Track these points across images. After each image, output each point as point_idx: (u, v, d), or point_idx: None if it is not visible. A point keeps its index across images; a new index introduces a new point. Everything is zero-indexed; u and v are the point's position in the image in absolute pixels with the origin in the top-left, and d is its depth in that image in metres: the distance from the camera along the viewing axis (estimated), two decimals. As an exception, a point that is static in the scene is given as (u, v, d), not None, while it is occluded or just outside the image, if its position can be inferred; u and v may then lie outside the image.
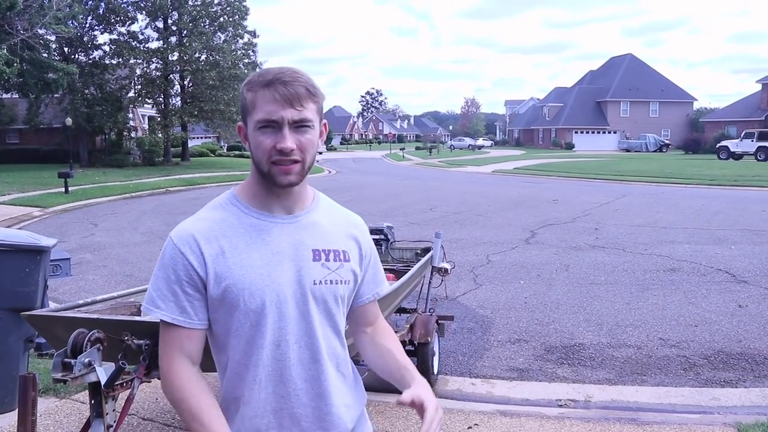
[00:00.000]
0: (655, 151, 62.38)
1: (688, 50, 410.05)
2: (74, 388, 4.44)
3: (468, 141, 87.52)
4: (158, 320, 1.48)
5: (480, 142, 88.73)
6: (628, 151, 63.80)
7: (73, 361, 2.22)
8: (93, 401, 2.50)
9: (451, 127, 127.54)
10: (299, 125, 1.43)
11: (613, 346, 5.97)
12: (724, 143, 45.56)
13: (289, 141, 1.42)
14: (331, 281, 1.53)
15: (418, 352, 4.80)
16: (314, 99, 1.46)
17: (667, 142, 64.85)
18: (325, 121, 1.53)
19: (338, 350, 1.58)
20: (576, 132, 72.09)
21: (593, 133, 72.32)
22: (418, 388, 1.54)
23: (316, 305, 1.52)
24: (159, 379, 1.47)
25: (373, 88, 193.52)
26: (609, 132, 71.96)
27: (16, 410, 4.12)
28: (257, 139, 1.44)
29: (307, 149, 1.45)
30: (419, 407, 1.49)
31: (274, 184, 1.47)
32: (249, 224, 1.49)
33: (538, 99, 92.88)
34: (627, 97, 71.67)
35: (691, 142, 57.98)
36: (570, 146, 69.63)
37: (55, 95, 33.11)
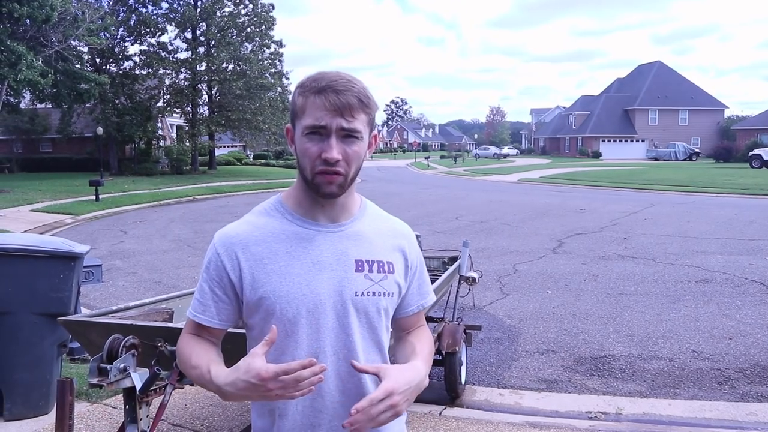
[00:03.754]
0: (684, 159, 61.43)
1: (719, 57, 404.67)
2: (106, 392, 4.50)
3: (493, 150, 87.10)
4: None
5: (505, 150, 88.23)
6: (656, 159, 62.93)
7: (108, 366, 2.24)
8: (127, 406, 2.53)
9: (476, 136, 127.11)
10: (347, 135, 1.40)
11: (644, 358, 5.87)
12: (756, 151, 44.71)
13: (335, 151, 1.39)
14: (374, 293, 1.49)
15: (446, 362, 4.77)
16: (366, 110, 1.43)
17: (697, 150, 63.82)
18: (375, 132, 1.50)
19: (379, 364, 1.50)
20: (603, 140, 71.33)
21: (621, 141, 71.50)
22: (398, 368, 1.43)
23: (357, 317, 1.48)
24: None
25: (398, 97, 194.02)
26: (637, 140, 71.08)
27: (51, 413, 4.20)
28: (303, 145, 1.42)
29: (352, 161, 1.42)
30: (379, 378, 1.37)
31: (317, 193, 1.45)
32: (292, 232, 1.48)
33: (564, 107, 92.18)
34: (655, 105, 70.75)
35: (722, 151, 57.01)
36: (597, 155, 68.89)
37: (87, 105, 33.76)
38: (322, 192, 1.43)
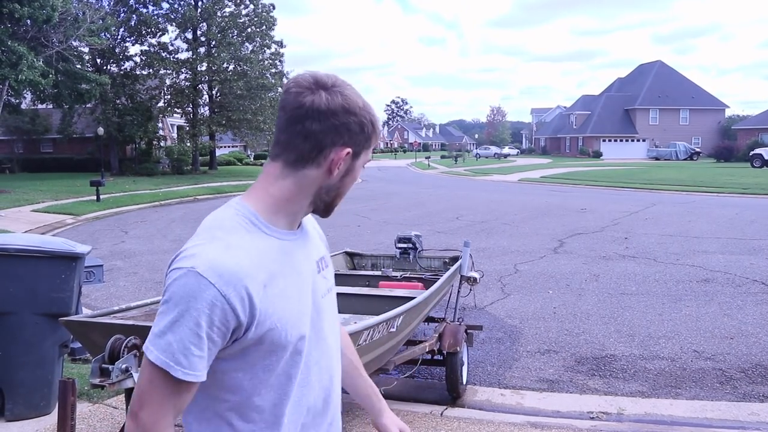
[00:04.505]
0: (685, 159, 61.41)
1: (720, 57, 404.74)
2: (107, 393, 4.50)
3: (494, 149, 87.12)
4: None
5: (506, 150, 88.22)
6: (657, 159, 62.91)
7: (110, 366, 2.24)
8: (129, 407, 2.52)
9: (476, 136, 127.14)
10: None
11: (645, 358, 5.87)
12: (757, 151, 44.72)
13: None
14: (329, 290, 1.46)
15: (447, 362, 4.77)
16: None
17: (697, 150, 63.78)
18: None
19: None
20: (604, 140, 71.32)
21: (621, 141, 71.48)
22: (391, 417, 1.65)
23: (326, 320, 1.42)
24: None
25: (399, 97, 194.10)
26: (638, 140, 71.06)
27: (53, 414, 4.20)
28: (357, 173, 1.38)
29: None
30: None
31: (325, 215, 1.41)
32: (276, 248, 1.31)
33: (564, 107, 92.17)
34: (656, 105, 70.72)
35: (723, 150, 56.99)
36: (597, 154, 68.88)
37: (88, 105, 33.80)
38: (329, 215, 1.41)
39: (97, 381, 2.24)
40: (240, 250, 1.24)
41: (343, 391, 1.61)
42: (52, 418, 4.13)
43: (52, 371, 4.31)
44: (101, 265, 5.70)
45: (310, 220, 1.49)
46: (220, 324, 1.20)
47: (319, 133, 1.28)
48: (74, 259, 4.29)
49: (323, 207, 1.38)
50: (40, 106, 35.64)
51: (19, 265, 4.13)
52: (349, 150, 1.31)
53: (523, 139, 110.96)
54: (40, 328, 4.19)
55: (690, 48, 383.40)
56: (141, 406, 1.22)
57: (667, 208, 18.94)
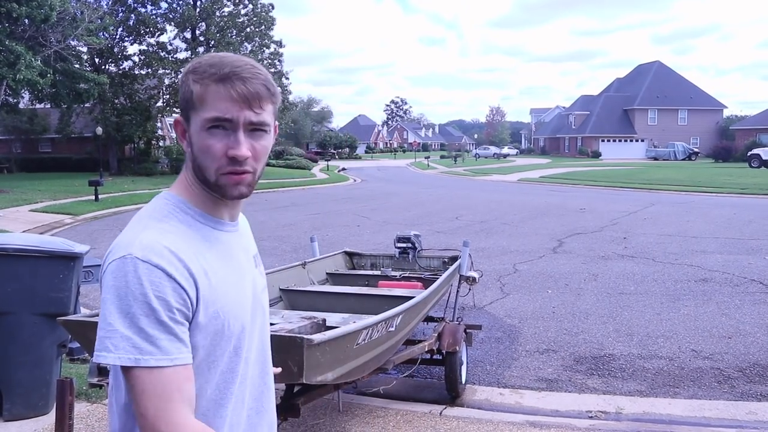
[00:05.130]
0: (683, 159, 61.47)
1: (718, 57, 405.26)
2: (105, 392, 4.49)
3: (493, 149, 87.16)
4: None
5: (505, 150, 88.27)
6: (656, 159, 62.97)
7: (108, 366, 2.24)
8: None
9: (476, 136, 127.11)
10: (255, 129, 1.23)
11: (644, 357, 5.88)
12: (755, 151, 44.74)
13: (244, 147, 1.21)
14: (264, 287, 1.44)
15: (446, 361, 4.77)
16: (273, 99, 1.26)
17: (696, 150, 63.85)
18: (276, 123, 1.33)
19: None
20: (603, 140, 71.39)
21: (620, 141, 71.56)
22: None
23: (261, 315, 1.39)
24: None
25: (398, 97, 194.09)
26: (636, 140, 71.15)
27: (51, 414, 4.20)
28: (205, 141, 1.22)
29: (261, 157, 1.26)
30: None
31: (223, 195, 1.27)
32: (211, 237, 1.28)
33: (564, 107, 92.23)
34: (655, 105, 70.81)
35: (721, 151, 57.03)
36: (596, 155, 68.94)
37: (86, 105, 33.75)
38: (229, 194, 1.26)
39: (95, 380, 2.25)
40: (175, 236, 1.21)
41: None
42: (50, 418, 4.13)
43: (51, 371, 4.30)
44: (100, 265, 5.69)
45: (244, 220, 1.45)
46: (178, 305, 1.15)
47: None
48: (73, 258, 4.29)
49: (209, 187, 1.27)
50: (38, 106, 35.61)
51: (18, 265, 4.12)
52: (177, 118, 1.30)
53: (523, 140, 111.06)
54: (38, 327, 4.18)
55: (689, 48, 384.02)
56: (150, 425, 1.12)
57: (666, 208, 18.96)
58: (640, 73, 77.12)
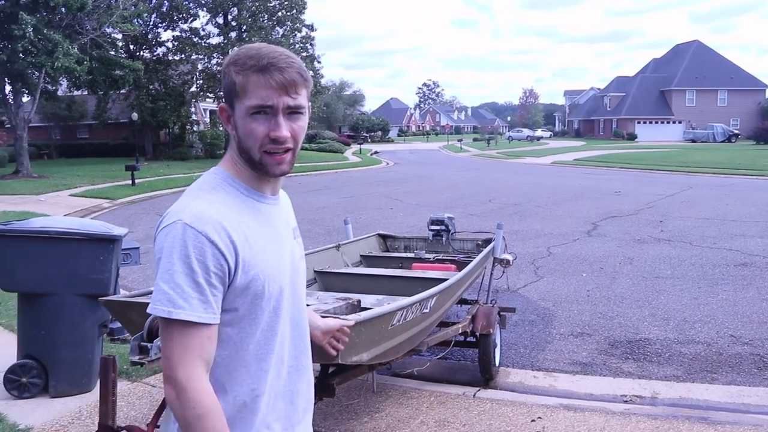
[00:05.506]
0: (723, 141, 59.93)
1: (761, 35, 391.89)
2: (145, 371, 4.61)
3: (526, 132, 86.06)
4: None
5: (539, 133, 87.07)
6: (694, 141, 61.53)
7: (149, 344, 2.28)
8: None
9: (509, 118, 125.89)
10: (293, 112, 1.40)
11: (680, 342, 5.79)
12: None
13: (284, 129, 1.38)
14: (301, 256, 1.59)
15: (480, 344, 4.77)
16: (306, 84, 1.42)
17: (736, 132, 62.16)
18: (309, 103, 1.48)
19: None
20: (638, 122, 69.94)
21: (657, 123, 70.01)
22: (325, 321, 1.97)
23: (299, 282, 1.55)
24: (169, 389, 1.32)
25: (431, 80, 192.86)
26: (673, 122, 69.53)
27: (93, 391, 4.32)
28: (249, 125, 1.38)
29: (299, 136, 1.42)
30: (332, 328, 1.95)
31: (266, 173, 1.43)
32: (254, 208, 1.44)
33: (598, 89, 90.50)
34: (693, 86, 69.02)
35: (763, 132, 55.33)
36: (632, 137, 67.60)
37: (122, 91, 34.26)
38: (272, 172, 1.42)
39: (136, 358, 2.29)
40: (221, 205, 1.37)
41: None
42: (93, 395, 4.26)
43: (93, 350, 4.43)
44: (138, 248, 5.81)
45: (284, 195, 1.60)
46: (215, 269, 1.30)
47: None
48: (112, 241, 4.39)
49: (252, 166, 1.42)
50: (75, 93, 36.26)
51: (60, 248, 4.24)
52: (222, 105, 1.45)
53: (556, 122, 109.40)
54: (80, 308, 4.30)
55: (729, 27, 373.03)
56: (171, 367, 1.30)
57: (704, 191, 18.55)
58: (678, 53, 75.17)
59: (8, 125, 28.72)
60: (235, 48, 1.44)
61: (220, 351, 1.37)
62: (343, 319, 2.15)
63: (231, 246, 1.32)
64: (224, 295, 1.34)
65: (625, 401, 4.55)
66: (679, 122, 69.13)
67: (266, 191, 1.48)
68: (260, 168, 1.42)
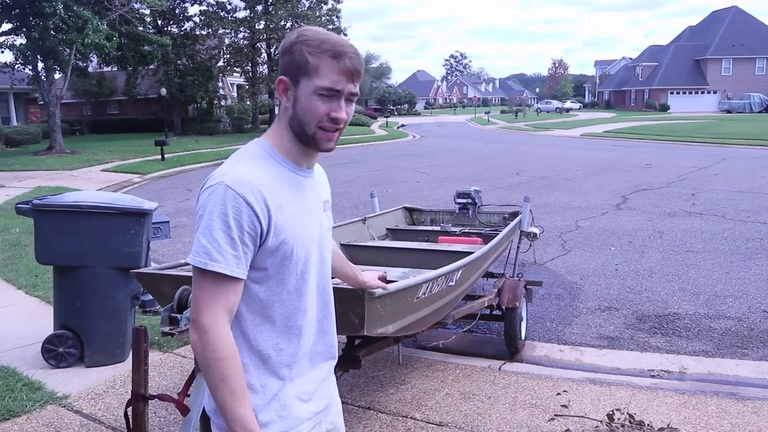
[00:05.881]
0: (760, 111, 58.27)
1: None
2: (176, 342, 4.72)
3: (555, 104, 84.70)
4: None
5: (568, 104, 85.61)
6: (729, 112, 59.92)
7: (179, 315, 2.34)
8: (197, 355, 2.64)
9: (537, 90, 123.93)
10: (350, 98, 1.53)
11: (710, 317, 5.72)
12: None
13: (344, 112, 1.51)
14: (329, 228, 1.71)
15: (506, 317, 4.78)
16: (362, 76, 1.55)
17: (774, 101, 60.38)
18: None
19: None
20: (671, 93, 68.27)
21: (691, 93, 68.25)
22: (367, 274, 2.30)
23: (326, 251, 1.66)
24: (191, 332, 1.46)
25: (458, 51, 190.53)
26: (708, 92, 67.70)
27: (126, 361, 4.44)
28: (313, 102, 1.49)
29: (349, 120, 1.55)
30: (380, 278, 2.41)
31: (316, 147, 1.55)
32: (290, 179, 1.55)
33: (630, 59, 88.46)
34: (730, 54, 66.94)
35: (802, 102, 53.75)
36: (665, 108, 66.09)
37: (151, 67, 34.53)
38: (321, 147, 1.55)
39: (167, 329, 2.35)
40: (260, 172, 1.49)
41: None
42: (126, 365, 4.38)
43: (126, 321, 4.54)
44: (168, 222, 5.90)
45: (321, 170, 1.73)
46: (249, 229, 1.43)
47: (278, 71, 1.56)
48: (143, 215, 4.46)
49: (302, 138, 1.54)
50: (105, 69, 36.63)
51: (93, 222, 4.33)
52: (282, 77, 1.52)
53: (586, 93, 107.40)
54: (113, 280, 4.40)
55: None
56: (198, 312, 1.43)
57: (739, 163, 18.13)
58: (715, 20, 72.89)
59: (41, 102, 29.20)
60: (293, 31, 1.53)
61: (249, 306, 1.51)
62: (375, 272, 2.44)
63: (265, 209, 1.44)
64: (255, 254, 1.46)
65: (653, 376, 4.53)
66: (714, 92, 67.31)
67: (303, 165, 1.59)
68: (311, 142, 1.53)
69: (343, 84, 1.49)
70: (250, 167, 1.48)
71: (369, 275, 2.31)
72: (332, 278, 1.77)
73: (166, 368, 4.48)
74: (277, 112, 1.51)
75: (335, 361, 1.74)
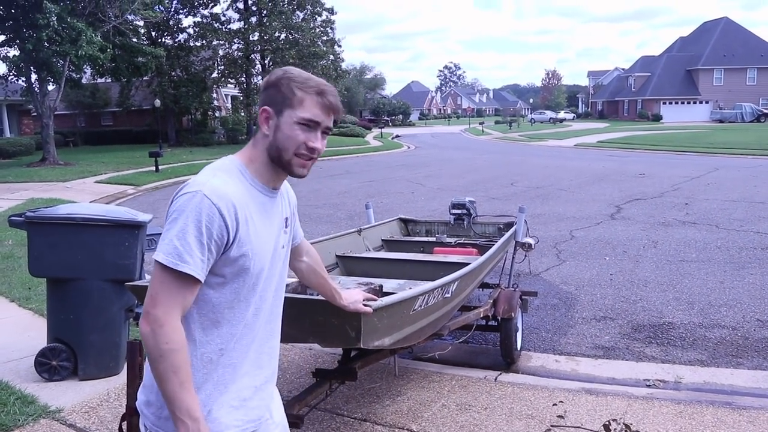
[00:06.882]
0: (751, 121, 58.65)
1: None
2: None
3: (549, 114, 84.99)
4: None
5: (561, 115, 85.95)
6: (721, 122, 60.29)
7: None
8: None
9: (531, 101, 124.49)
10: (324, 132, 1.70)
11: (705, 326, 5.73)
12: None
13: (319, 143, 1.69)
14: (284, 246, 1.83)
15: (502, 328, 4.77)
16: (339, 113, 1.74)
17: (765, 111, 60.76)
18: None
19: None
20: (664, 103, 68.66)
21: (683, 103, 68.65)
22: (348, 292, 2.36)
23: (276, 266, 1.78)
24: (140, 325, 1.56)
25: (452, 62, 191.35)
26: (700, 102, 68.12)
27: (120, 374, 4.41)
28: (294, 131, 1.65)
29: (322, 151, 1.71)
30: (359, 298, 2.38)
31: (290, 173, 1.71)
32: (259, 200, 1.69)
33: (623, 69, 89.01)
34: (721, 65, 67.46)
35: (794, 111, 54.13)
36: (657, 118, 66.43)
37: (145, 78, 34.54)
38: (297, 173, 1.70)
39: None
40: (235, 187, 1.62)
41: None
42: (120, 378, 4.35)
43: (120, 334, 4.51)
44: (162, 234, 5.87)
45: (287, 188, 1.87)
46: (217, 237, 1.55)
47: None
48: (137, 227, 4.45)
49: (279, 163, 1.69)
50: (99, 81, 36.64)
51: (86, 234, 4.31)
52: (266, 107, 1.68)
53: (580, 103, 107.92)
54: (107, 293, 4.38)
55: (760, 2, 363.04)
56: (153, 304, 1.54)
57: (731, 173, 18.23)
58: (706, 31, 73.49)
59: (35, 113, 29.12)
60: (278, 69, 1.73)
61: (199, 309, 1.62)
62: (364, 291, 2.50)
63: (235, 222, 1.57)
64: (215, 261, 1.58)
65: (648, 385, 4.53)
66: (706, 102, 67.74)
67: (270, 185, 1.73)
68: (287, 166, 1.69)
69: (322, 117, 1.67)
70: (226, 181, 1.61)
71: (352, 295, 2.38)
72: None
73: (161, 381, 4.44)
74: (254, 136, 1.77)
75: (275, 374, 1.86)
